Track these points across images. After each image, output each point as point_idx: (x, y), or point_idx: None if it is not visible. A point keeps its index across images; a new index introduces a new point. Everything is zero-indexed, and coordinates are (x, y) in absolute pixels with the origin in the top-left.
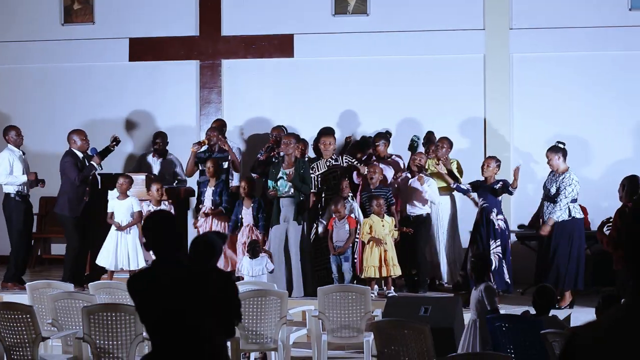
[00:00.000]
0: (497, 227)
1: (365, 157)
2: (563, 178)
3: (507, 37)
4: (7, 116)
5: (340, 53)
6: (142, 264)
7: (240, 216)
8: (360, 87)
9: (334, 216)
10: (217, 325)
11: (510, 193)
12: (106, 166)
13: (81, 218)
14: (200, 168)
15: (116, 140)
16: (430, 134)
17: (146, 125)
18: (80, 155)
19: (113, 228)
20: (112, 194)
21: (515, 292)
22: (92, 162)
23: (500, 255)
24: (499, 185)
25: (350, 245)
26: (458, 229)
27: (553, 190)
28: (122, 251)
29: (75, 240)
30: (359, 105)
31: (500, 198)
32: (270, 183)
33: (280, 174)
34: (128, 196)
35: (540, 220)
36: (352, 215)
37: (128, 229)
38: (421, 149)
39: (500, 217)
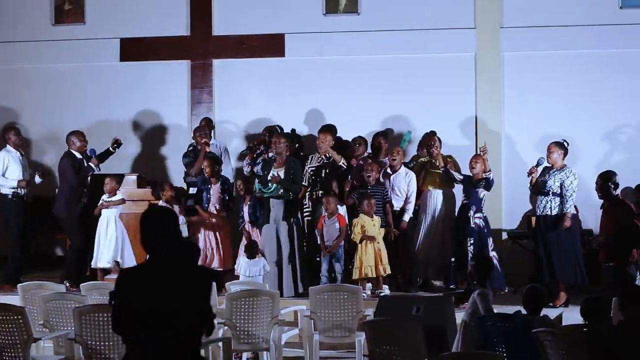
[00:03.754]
0: (472, 224)
1: (365, 156)
2: (566, 172)
3: (498, 35)
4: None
5: (331, 52)
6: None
7: (241, 213)
8: (351, 86)
9: (323, 214)
10: (200, 323)
11: (489, 184)
12: (111, 168)
13: (81, 219)
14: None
15: (117, 143)
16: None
17: (137, 126)
18: (78, 156)
19: (99, 225)
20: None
21: (508, 291)
22: (90, 164)
23: (470, 254)
24: (481, 182)
25: (342, 244)
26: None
27: (552, 184)
28: (105, 246)
29: (76, 241)
30: (349, 104)
31: (482, 196)
32: (257, 185)
33: (270, 175)
34: (116, 194)
35: (533, 218)
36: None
37: (115, 223)
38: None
39: (478, 215)
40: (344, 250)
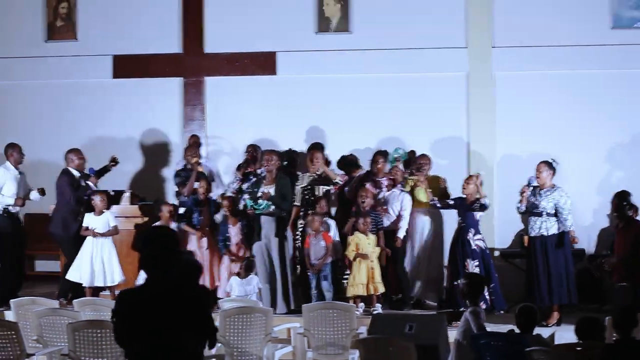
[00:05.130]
0: (474, 247)
1: (363, 174)
2: (559, 192)
3: (490, 55)
4: None
5: (323, 71)
6: (118, 280)
7: (227, 235)
8: (342, 104)
9: (309, 233)
10: (200, 341)
11: (485, 207)
12: (105, 184)
13: (76, 236)
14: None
15: (114, 161)
16: (411, 153)
17: (131, 142)
18: (77, 174)
19: (85, 244)
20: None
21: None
22: (88, 182)
23: None
24: (476, 205)
25: (328, 262)
26: (443, 246)
27: (546, 205)
28: (97, 267)
29: (72, 259)
30: (341, 122)
31: (479, 218)
32: (248, 202)
33: (260, 192)
34: (104, 212)
35: (526, 237)
36: (330, 233)
37: (102, 244)
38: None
39: (478, 237)
40: (332, 268)
